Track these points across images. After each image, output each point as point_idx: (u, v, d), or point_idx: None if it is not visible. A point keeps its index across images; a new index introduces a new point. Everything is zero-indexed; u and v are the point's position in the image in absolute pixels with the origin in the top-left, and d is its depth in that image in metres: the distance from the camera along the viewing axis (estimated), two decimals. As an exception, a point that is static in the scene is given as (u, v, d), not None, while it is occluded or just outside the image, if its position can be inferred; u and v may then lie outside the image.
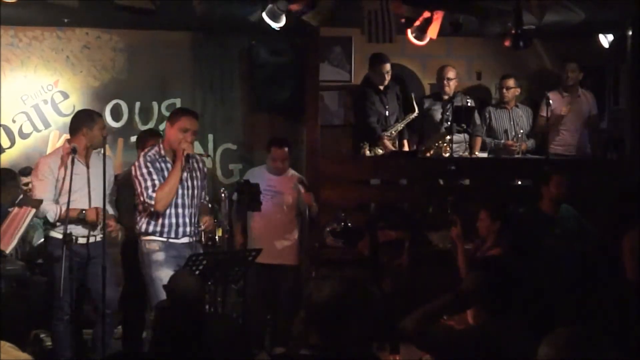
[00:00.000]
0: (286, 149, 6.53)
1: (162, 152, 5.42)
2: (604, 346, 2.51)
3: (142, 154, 5.45)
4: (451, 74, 7.80)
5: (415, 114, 7.52)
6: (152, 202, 5.28)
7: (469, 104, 7.72)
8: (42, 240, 6.17)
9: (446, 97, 7.77)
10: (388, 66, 7.57)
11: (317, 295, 3.32)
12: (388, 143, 7.43)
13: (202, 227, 5.60)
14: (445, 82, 7.77)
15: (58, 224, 5.61)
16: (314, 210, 6.55)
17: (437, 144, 7.50)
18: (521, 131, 7.83)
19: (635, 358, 4.06)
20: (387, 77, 7.59)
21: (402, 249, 5.87)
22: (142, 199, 5.32)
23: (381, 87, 7.61)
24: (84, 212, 5.58)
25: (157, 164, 5.38)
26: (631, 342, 4.27)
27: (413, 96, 7.59)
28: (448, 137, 7.45)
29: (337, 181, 7.22)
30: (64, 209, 5.51)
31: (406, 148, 7.69)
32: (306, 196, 6.44)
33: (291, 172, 6.65)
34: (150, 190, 5.29)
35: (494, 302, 3.47)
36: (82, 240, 5.64)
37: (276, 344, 6.34)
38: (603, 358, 2.50)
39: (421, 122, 7.78)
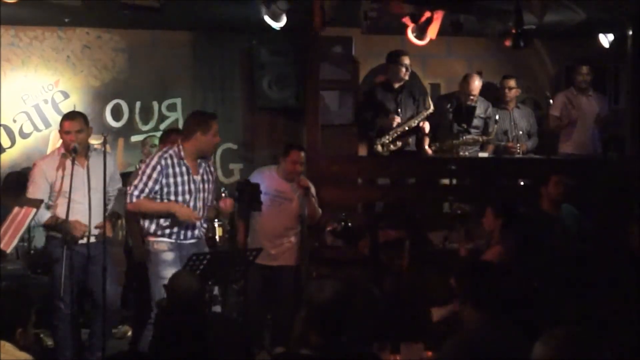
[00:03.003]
0: (303, 153, 6.49)
1: (182, 153, 5.42)
2: (600, 346, 2.51)
3: (161, 153, 5.45)
4: (475, 86, 7.62)
5: (430, 111, 7.44)
6: (128, 200, 5.36)
7: (488, 111, 7.73)
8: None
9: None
10: (406, 59, 7.45)
11: (317, 295, 3.33)
12: (379, 147, 7.38)
13: (222, 207, 5.65)
14: (471, 97, 7.66)
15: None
16: (318, 216, 6.52)
17: (452, 143, 7.52)
18: (520, 132, 7.81)
19: (631, 358, 4.06)
20: (405, 72, 7.48)
21: (402, 249, 5.86)
22: (128, 189, 5.37)
23: (396, 86, 7.58)
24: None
25: (171, 169, 5.38)
26: (627, 343, 4.27)
27: (427, 92, 7.53)
28: (462, 139, 7.46)
29: (337, 181, 7.21)
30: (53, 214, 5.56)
31: (427, 129, 7.50)
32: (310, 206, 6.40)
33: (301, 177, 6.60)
34: (136, 192, 5.32)
35: (488, 304, 3.47)
36: (82, 240, 5.63)
37: (276, 344, 6.34)
38: (599, 358, 2.50)
39: (437, 122, 7.77)
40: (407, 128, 7.44)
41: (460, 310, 3.53)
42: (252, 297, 6.25)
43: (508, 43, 6.78)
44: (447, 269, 5.58)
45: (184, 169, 5.42)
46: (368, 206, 7.60)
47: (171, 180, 5.38)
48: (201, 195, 5.50)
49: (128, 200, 5.37)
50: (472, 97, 7.67)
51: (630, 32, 7.44)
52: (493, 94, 8.20)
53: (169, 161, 5.39)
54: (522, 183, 7.66)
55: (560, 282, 5.58)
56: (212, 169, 5.66)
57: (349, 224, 6.74)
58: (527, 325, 3.55)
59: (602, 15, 7.38)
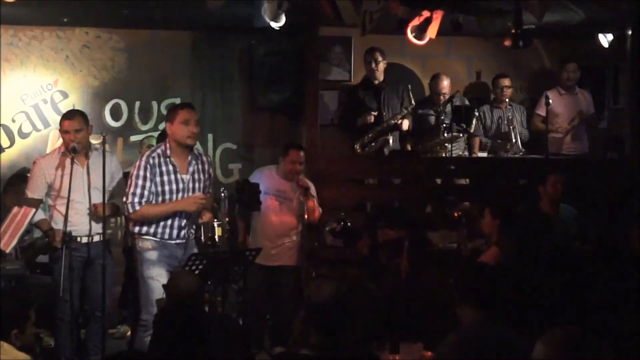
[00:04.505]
0: (302, 153, 6.48)
1: (168, 151, 5.40)
2: (599, 346, 2.51)
3: (148, 152, 5.44)
4: (443, 85, 7.70)
5: (411, 106, 7.45)
6: (131, 210, 5.31)
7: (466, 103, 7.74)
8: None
9: (441, 103, 7.70)
10: (377, 54, 7.49)
11: (317, 295, 3.33)
12: (357, 147, 7.40)
13: (202, 221, 5.55)
14: (441, 97, 7.69)
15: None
16: (318, 215, 6.51)
17: (435, 146, 7.50)
18: (513, 128, 7.80)
19: (630, 358, 4.06)
20: (378, 67, 7.51)
21: (402, 249, 5.86)
22: (125, 200, 5.34)
23: (376, 82, 7.57)
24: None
25: (158, 169, 5.35)
26: (626, 342, 4.28)
27: (409, 88, 7.52)
28: (446, 139, 7.45)
29: (337, 181, 7.21)
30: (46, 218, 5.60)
31: (405, 126, 7.52)
32: (310, 204, 6.39)
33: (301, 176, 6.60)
34: (136, 198, 5.30)
35: (484, 305, 3.48)
36: (82, 240, 5.63)
37: (276, 344, 6.34)
38: (599, 358, 2.50)
39: (418, 125, 7.76)
40: (385, 126, 7.44)
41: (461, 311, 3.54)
42: (252, 297, 6.26)
43: (507, 43, 6.77)
44: (447, 269, 5.60)
45: (170, 167, 5.38)
46: (367, 206, 7.59)
47: (157, 179, 5.36)
48: (191, 194, 5.44)
49: (130, 210, 5.32)
50: (442, 97, 7.68)
51: (630, 32, 7.44)
52: (486, 93, 8.22)
53: (156, 160, 5.37)
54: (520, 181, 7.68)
55: (559, 282, 5.58)
56: (206, 166, 5.57)
57: (348, 224, 6.75)
58: (526, 325, 3.55)
59: (602, 15, 7.38)
